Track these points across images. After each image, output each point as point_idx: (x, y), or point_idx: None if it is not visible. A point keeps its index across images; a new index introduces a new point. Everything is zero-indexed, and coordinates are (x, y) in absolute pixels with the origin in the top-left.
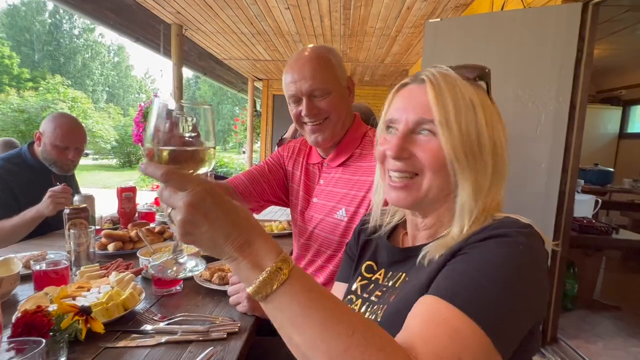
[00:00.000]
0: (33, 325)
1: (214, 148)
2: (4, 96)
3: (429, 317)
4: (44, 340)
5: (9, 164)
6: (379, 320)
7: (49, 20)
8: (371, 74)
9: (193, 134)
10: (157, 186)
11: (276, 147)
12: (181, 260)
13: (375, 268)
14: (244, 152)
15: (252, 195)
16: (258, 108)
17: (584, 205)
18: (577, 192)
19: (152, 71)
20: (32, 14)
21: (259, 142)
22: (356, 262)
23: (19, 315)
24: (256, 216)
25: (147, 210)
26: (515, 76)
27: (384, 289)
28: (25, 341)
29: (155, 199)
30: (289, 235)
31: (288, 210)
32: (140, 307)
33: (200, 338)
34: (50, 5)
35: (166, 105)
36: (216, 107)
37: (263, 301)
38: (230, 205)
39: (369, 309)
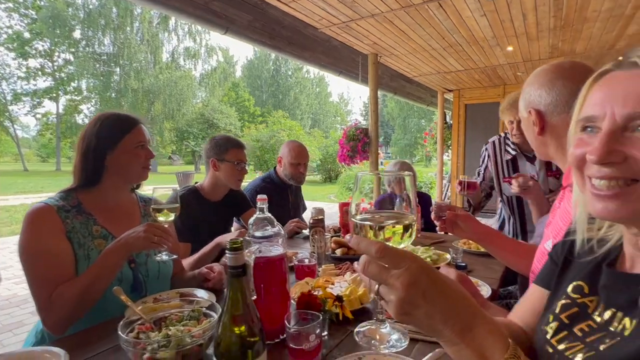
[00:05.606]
0: (310, 303)
1: (415, 219)
2: (247, 130)
3: None
4: (320, 315)
5: (264, 182)
6: None
7: (272, 67)
8: (594, 65)
9: (403, 204)
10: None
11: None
12: (384, 331)
13: (586, 291)
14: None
15: None
16: (448, 120)
17: None
18: None
19: (346, 95)
20: (260, 64)
21: (448, 154)
22: (557, 277)
23: (299, 294)
24: None
25: None
26: None
27: (592, 324)
28: (307, 313)
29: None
30: None
31: None
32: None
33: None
34: (272, 55)
35: (369, 175)
36: (402, 122)
37: None
38: (446, 285)
39: (565, 342)
